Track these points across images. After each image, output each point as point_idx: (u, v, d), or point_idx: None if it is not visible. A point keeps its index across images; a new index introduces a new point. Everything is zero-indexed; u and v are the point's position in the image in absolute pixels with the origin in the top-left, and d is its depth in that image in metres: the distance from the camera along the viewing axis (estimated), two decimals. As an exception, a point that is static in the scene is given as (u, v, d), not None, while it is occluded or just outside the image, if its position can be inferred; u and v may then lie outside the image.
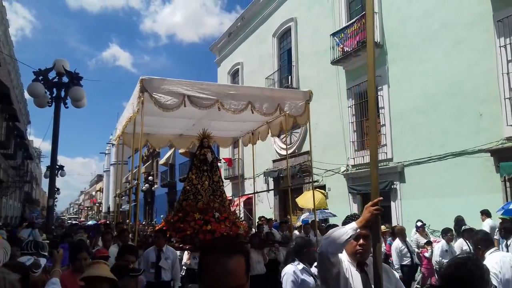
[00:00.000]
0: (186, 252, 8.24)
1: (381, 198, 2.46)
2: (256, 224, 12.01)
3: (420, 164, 12.01)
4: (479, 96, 10.39)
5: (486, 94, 10.22)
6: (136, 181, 6.61)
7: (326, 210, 13.84)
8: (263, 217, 14.23)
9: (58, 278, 3.52)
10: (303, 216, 14.26)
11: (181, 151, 29.07)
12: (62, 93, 8.96)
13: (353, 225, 2.45)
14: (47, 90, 8.75)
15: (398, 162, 12.64)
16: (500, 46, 9.88)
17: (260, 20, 21.54)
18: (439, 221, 9.85)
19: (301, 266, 4.24)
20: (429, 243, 8.80)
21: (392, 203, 12.79)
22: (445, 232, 8.37)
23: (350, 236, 2.43)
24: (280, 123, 9.82)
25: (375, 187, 2.52)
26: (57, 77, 8.95)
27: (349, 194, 14.38)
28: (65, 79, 8.95)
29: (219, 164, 20.17)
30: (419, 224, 9.61)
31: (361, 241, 2.60)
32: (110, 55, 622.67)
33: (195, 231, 8.49)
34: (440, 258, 7.92)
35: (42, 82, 8.62)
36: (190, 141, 11.62)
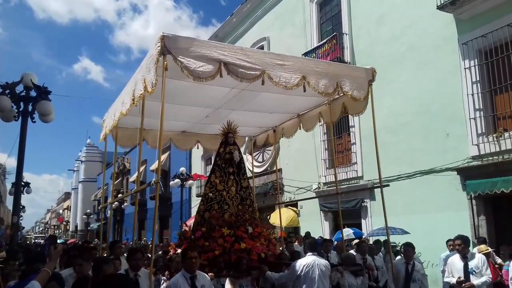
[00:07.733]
0: (228, 280, 6.04)
1: None
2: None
3: (389, 182, 12.18)
4: (446, 116, 10.70)
5: (452, 114, 10.53)
6: (155, 179, 5.07)
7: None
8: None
9: (39, 283, 3.28)
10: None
11: (152, 168, 28.72)
12: (30, 107, 8.74)
13: None
14: (14, 104, 8.52)
15: (368, 180, 12.82)
16: (465, 68, 10.24)
17: (233, 39, 21.72)
18: (408, 239, 9.97)
19: None
20: None
21: (363, 221, 12.92)
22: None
23: None
24: (318, 114, 8.13)
25: None
26: (24, 91, 8.74)
27: (321, 211, 14.45)
28: (33, 93, 8.75)
29: (190, 182, 20.02)
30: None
31: None
32: (81, 68, 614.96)
33: (226, 251, 6.64)
34: None
35: (9, 96, 8.39)
36: (195, 141, 9.74)
